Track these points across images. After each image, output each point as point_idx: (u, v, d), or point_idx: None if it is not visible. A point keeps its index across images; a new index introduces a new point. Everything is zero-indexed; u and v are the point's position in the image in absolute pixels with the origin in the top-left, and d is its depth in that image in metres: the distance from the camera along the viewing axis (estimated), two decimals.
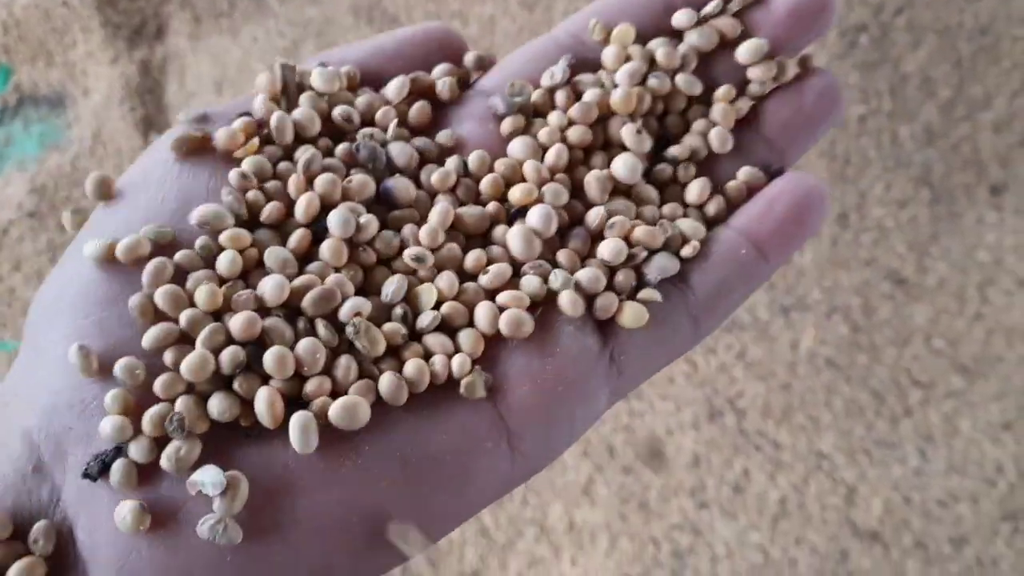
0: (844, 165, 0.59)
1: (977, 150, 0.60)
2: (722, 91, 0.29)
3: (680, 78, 0.30)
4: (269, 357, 0.23)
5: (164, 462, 0.22)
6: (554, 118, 0.29)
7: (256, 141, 0.27)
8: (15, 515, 0.22)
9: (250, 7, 0.73)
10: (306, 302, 0.24)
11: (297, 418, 0.22)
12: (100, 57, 0.70)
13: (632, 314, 0.26)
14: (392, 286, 0.25)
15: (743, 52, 0.29)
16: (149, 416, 0.22)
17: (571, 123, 0.29)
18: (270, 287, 0.24)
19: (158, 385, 0.23)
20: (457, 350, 0.25)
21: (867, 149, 0.59)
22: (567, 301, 0.25)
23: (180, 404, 0.23)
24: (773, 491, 0.54)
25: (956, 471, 0.55)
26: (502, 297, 0.25)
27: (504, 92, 0.29)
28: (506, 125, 0.29)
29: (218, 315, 0.24)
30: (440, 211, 0.26)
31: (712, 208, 0.29)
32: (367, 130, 0.28)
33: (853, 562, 0.53)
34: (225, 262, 0.24)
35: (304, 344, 0.23)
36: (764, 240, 0.28)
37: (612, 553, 0.54)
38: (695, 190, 0.29)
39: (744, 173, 0.29)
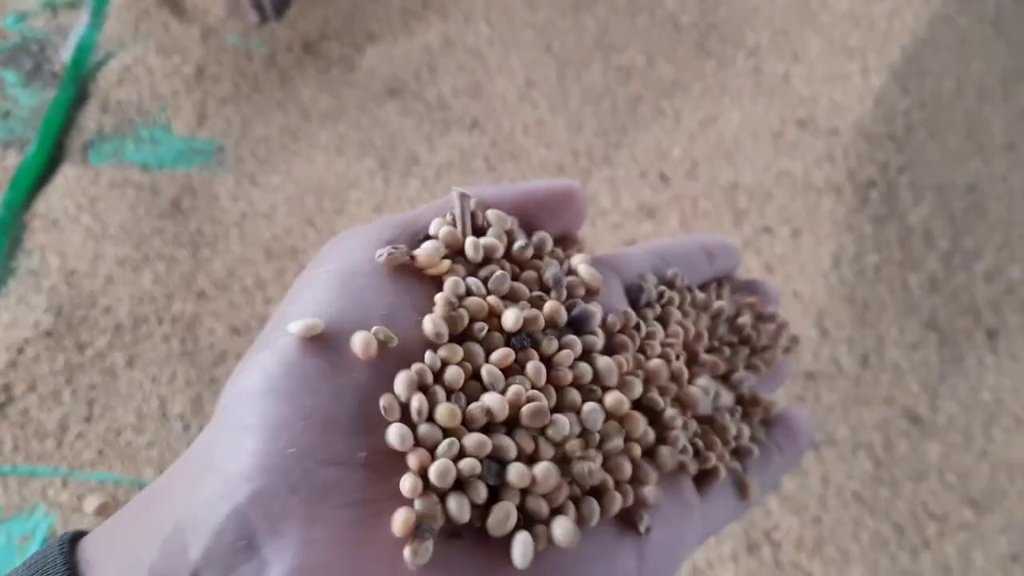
0: (864, 310, 0.63)
1: (973, 297, 0.65)
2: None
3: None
4: (514, 473, 0.25)
5: (408, 555, 0.24)
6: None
7: (449, 262, 0.29)
8: None
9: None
10: (525, 418, 0.26)
11: (521, 538, 0.25)
12: None
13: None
14: (594, 414, 0.27)
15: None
16: (400, 520, 0.24)
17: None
18: (496, 405, 0.26)
19: (406, 487, 0.24)
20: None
21: (883, 295, 0.64)
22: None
23: (422, 505, 0.24)
24: None
25: None
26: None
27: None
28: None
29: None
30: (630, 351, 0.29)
31: None
32: (552, 253, 0.31)
33: None
34: (452, 376, 0.26)
35: (543, 469, 0.26)
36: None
37: None
38: None
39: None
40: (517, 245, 0.30)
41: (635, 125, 0.71)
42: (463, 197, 0.31)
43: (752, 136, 0.70)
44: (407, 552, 0.24)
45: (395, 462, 0.25)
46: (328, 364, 0.25)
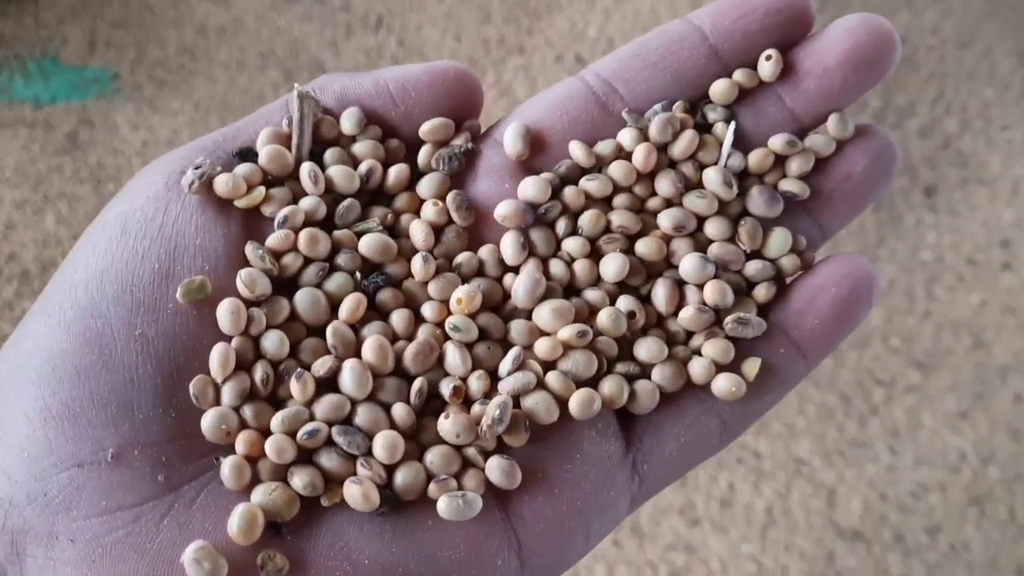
0: None
1: (908, 155, 0.63)
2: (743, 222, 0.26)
3: (714, 184, 0.26)
4: (379, 445, 0.22)
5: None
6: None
7: (262, 191, 0.24)
8: None
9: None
10: (408, 361, 0.23)
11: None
12: None
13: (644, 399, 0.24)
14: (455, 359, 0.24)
15: (776, 143, 0.26)
16: (242, 530, 0.21)
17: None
18: (351, 385, 0.23)
19: (228, 478, 0.21)
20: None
21: None
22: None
23: (277, 495, 0.22)
24: (759, 501, 0.56)
25: (924, 463, 0.57)
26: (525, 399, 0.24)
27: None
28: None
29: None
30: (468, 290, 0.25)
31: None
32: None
33: (839, 562, 0.55)
34: (273, 344, 0.23)
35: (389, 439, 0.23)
36: (804, 340, 0.25)
37: None
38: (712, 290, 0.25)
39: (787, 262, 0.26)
40: (362, 169, 0.25)
41: (547, 8, 0.68)
42: (303, 99, 0.25)
43: (669, 8, 0.66)
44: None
45: (164, 453, 0.21)
46: (80, 343, 0.21)
